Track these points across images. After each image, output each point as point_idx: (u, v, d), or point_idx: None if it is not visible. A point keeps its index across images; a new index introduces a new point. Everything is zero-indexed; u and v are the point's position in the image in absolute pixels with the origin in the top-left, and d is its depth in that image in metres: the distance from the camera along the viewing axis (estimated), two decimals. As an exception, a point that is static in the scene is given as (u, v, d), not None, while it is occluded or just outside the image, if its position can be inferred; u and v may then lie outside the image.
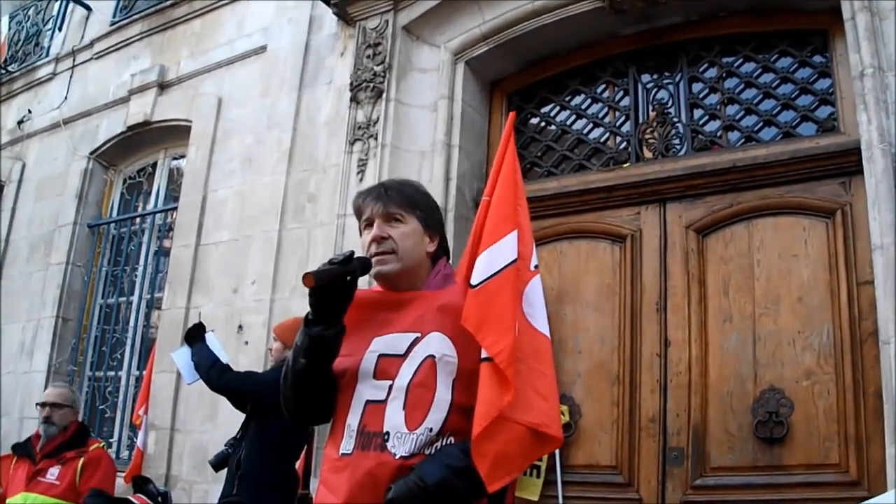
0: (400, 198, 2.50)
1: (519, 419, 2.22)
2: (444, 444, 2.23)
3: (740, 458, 4.56)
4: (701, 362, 4.82)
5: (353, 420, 2.32)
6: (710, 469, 4.64)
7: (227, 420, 5.50)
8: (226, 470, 4.75)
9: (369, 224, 2.49)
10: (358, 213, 2.55)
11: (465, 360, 2.28)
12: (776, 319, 4.65)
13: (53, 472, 5.05)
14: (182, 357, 5.09)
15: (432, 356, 2.29)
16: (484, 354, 2.25)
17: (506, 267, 2.43)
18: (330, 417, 2.43)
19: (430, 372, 2.27)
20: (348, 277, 2.24)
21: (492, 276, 2.40)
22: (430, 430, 2.22)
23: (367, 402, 2.31)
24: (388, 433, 2.23)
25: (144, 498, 5.23)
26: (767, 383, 4.57)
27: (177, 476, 6.38)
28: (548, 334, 2.54)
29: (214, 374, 4.82)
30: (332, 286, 2.22)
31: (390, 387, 2.29)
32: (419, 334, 2.33)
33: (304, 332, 2.29)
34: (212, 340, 5.01)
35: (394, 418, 2.25)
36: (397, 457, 2.20)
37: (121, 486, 5.85)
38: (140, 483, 5.42)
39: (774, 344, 4.61)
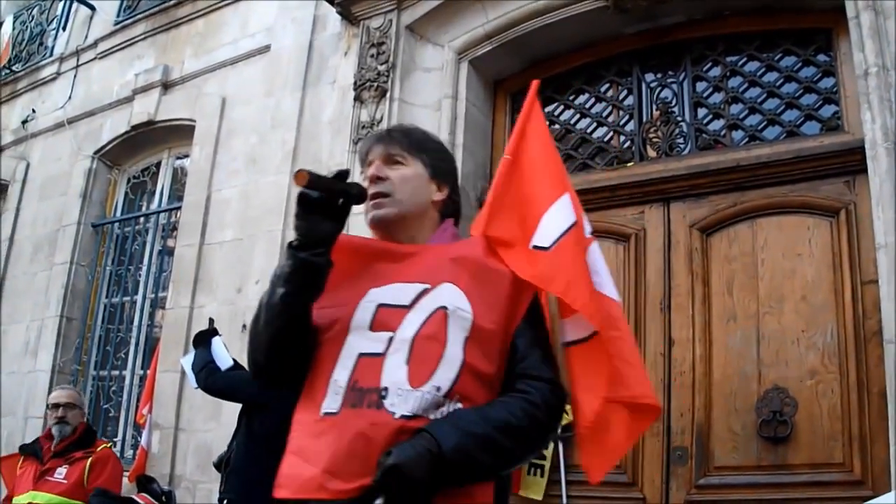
0: (404, 139, 2.28)
1: (618, 396, 2.11)
2: (450, 408, 1.91)
3: (744, 457, 4.55)
4: (705, 361, 4.81)
5: (340, 375, 1.96)
6: (713, 468, 4.64)
7: (231, 419, 5.48)
8: None
9: (369, 166, 2.25)
10: (363, 159, 2.31)
11: (480, 318, 1.99)
12: (780, 318, 4.65)
13: (61, 472, 5.09)
14: (188, 362, 5.09)
15: (444, 308, 1.99)
16: (570, 338, 2.16)
17: (569, 230, 2.31)
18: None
19: (441, 325, 1.97)
20: (341, 199, 2.01)
21: (561, 236, 2.27)
22: (438, 388, 1.90)
23: (361, 354, 1.97)
24: (386, 389, 1.89)
25: (148, 497, 5.25)
26: (771, 382, 4.56)
27: (181, 475, 6.38)
28: (618, 299, 2.41)
29: (203, 376, 4.82)
30: (319, 204, 1.98)
31: (391, 339, 1.97)
32: (428, 285, 2.03)
33: (290, 256, 2.00)
34: (217, 345, 5.00)
35: (394, 373, 1.92)
36: (397, 416, 1.85)
37: (125, 485, 5.86)
38: (144, 482, 5.43)
39: (778, 343, 4.61)
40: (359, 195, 2.08)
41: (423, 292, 2.03)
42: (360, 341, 1.99)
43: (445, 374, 1.92)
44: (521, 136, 2.59)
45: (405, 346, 1.95)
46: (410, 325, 1.98)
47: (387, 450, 1.78)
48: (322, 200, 1.98)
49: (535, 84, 2.80)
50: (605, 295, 2.34)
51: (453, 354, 1.94)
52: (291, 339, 2.04)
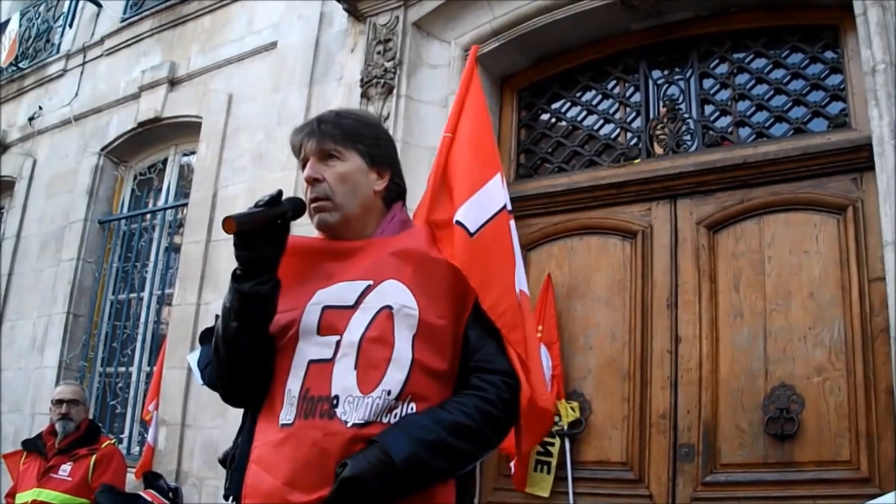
0: (336, 131, 2.14)
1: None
2: (404, 410, 1.88)
3: (751, 454, 4.55)
4: (712, 358, 4.81)
5: (293, 384, 1.94)
6: (720, 465, 4.64)
7: (238, 416, 5.49)
8: None
9: (305, 164, 2.16)
10: (296, 152, 2.21)
11: (426, 313, 1.95)
12: (787, 315, 4.65)
13: (66, 469, 5.08)
14: (195, 359, 5.08)
15: (389, 307, 1.94)
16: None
17: (498, 213, 2.26)
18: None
19: (387, 325, 1.93)
20: (279, 221, 1.95)
21: (486, 223, 2.22)
22: (388, 392, 1.86)
23: (311, 362, 1.94)
24: (336, 397, 1.87)
25: (155, 493, 5.26)
26: (778, 380, 4.56)
27: (187, 472, 6.39)
28: (526, 290, 2.34)
29: (208, 373, 4.79)
30: (258, 232, 1.91)
31: (338, 343, 1.93)
32: (371, 282, 1.99)
33: (234, 290, 1.95)
34: None
35: (343, 380, 1.89)
36: (349, 425, 1.84)
37: (131, 481, 5.88)
38: (151, 479, 5.45)
39: (785, 340, 4.61)
40: (296, 211, 2.03)
41: (367, 289, 1.98)
42: (309, 347, 1.97)
43: (395, 377, 1.89)
44: (459, 110, 2.52)
45: (352, 351, 1.92)
46: (356, 328, 1.94)
47: (342, 460, 1.79)
48: (257, 237, 1.93)
49: (473, 49, 2.75)
50: (517, 288, 2.26)
51: (402, 355, 1.91)
52: (253, 365, 2.01)
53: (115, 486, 5.09)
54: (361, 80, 6.16)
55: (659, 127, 5.54)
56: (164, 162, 8.49)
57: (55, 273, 8.42)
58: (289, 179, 6.47)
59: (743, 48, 5.37)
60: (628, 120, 5.75)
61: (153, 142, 8.45)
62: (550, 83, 6.18)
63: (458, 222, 2.20)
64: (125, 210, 8.64)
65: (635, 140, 5.66)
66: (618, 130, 5.80)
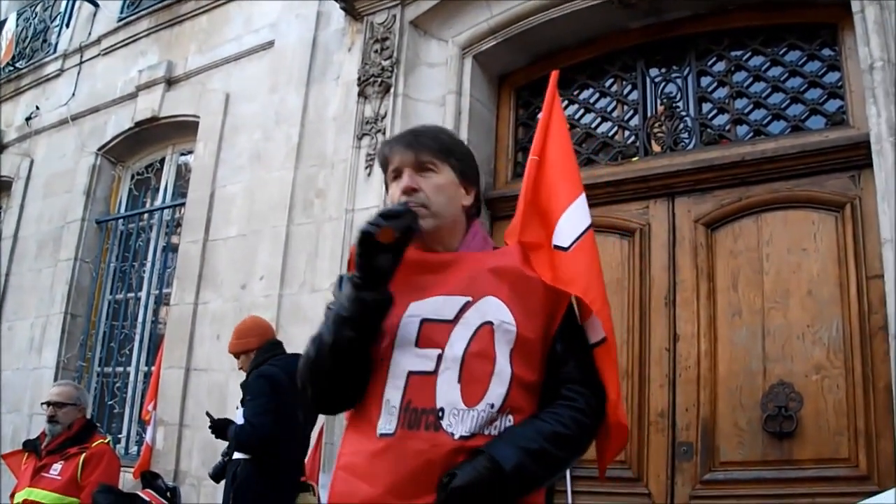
0: (433, 144, 2.19)
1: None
2: (503, 422, 1.94)
3: (750, 452, 4.55)
4: (710, 357, 4.81)
5: (392, 395, 1.96)
6: (719, 463, 4.64)
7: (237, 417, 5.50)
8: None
9: (397, 175, 2.17)
10: (384, 163, 2.23)
11: (523, 328, 2.01)
12: (785, 313, 4.64)
13: (56, 468, 5.06)
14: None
15: (490, 322, 1.99)
16: (597, 337, 2.14)
17: (586, 231, 2.31)
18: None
19: (489, 340, 1.98)
20: (406, 233, 1.97)
21: (578, 238, 2.27)
22: (492, 406, 1.93)
23: (411, 373, 1.97)
24: (442, 409, 1.91)
25: (153, 493, 5.25)
26: (777, 378, 4.55)
27: (185, 471, 6.40)
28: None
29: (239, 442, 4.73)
30: (388, 243, 1.93)
31: (440, 356, 1.97)
32: (470, 298, 2.03)
33: (355, 299, 1.95)
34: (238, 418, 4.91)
35: (448, 393, 1.93)
36: (455, 437, 1.89)
37: (129, 481, 5.87)
38: (149, 478, 5.43)
39: (784, 338, 4.60)
40: (416, 223, 2.01)
41: (466, 305, 2.02)
42: (408, 359, 1.99)
43: (497, 391, 1.95)
44: (544, 133, 2.55)
45: (456, 365, 1.96)
46: (458, 342, 1.98)
47: (447, 470, 1.84)
48: (390, 245, 1.94)
49: (554, 75, 2.74)
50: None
51: (503, 369, 1.96)
52: (359, 376, 2.03)
53: (112, 485, 5.08)
54: (359, 78, 6.16)
55: (657, 125, 5.54)
56: (162, 162, 8.50)
57: (53, 273, 8.43)
58: (286, 179, 6.49)
59: (740, 46, 5.37)
60: (626, 118, 5.75)
61: (150, 141, 8.46)
62: (546, 81, 6.15)
63: (555, 246, 2.27)
64: (123, 210, 8.65)
65: (633, 138, 5.65)
66: (615, 128, 5.79)
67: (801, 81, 5.09)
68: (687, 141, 5.41)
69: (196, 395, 6.47)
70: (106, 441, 5.39)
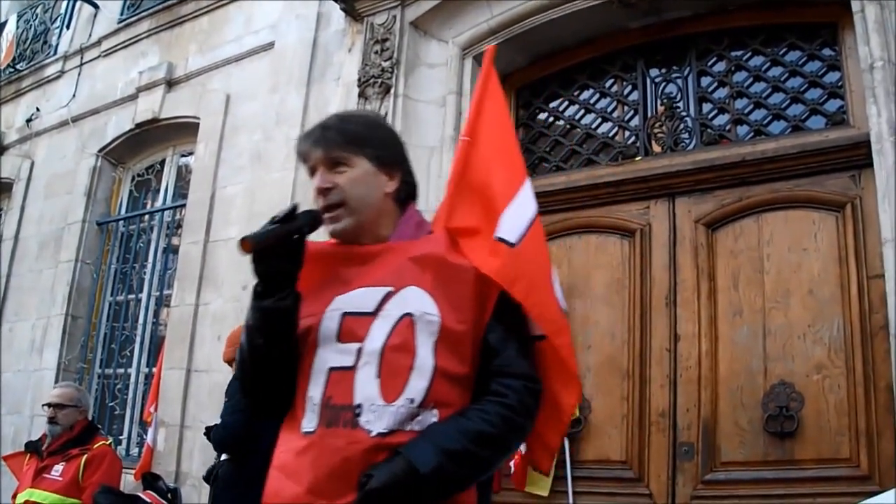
0: (341, 137, 2.12)
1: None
2: (427, 418, 1.89)
3: (751, 452, 4.55)
4: (711, 356, 4.81)
5: (314, 391, 1.94)
6: (720, 464, 4.63)
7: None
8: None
9: (314, 173, 2.15)
10: (303, 160, 2.20)
11: (448, 319, 1.94)
12: (786, 313, 4.64)
13: (58, 469, 5.08)
14: None
15: (410, 314, 1.94)
16: (538, 332, 2.07)
17: (533, 221, 2.23)
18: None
19: (409, 332, 1.93)
20: (295, 236, 1.96)
21: (525, 232, 2.19)
22: (412, 401, 1.88)
23: (331, 369, 1.94)
24: (359, 406, 1.87)
25: (154, 495, 5.25)
26: (778, 377, 4.55)
27: (186, 473, 6.39)
28: (564, 305, 2.30)
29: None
30: (275, 249, 1.94)
31: (359, 350, 1.93)
32: (392, 288, 1.98)
33: (256, 308, 1.97)
34: None
35: (366, 388, 1.89)
36: (373, 434, 1.85)
37: (130, 482, 5.87)
38: (150, 480, 5.43)
39: (784, 338, 4.60)
40: (312, 223, 2.03)
41: (388, 296, 1.98)
42: (329, 354, 1.97)
43: (418, 385, 1.89)
44: (477, 113, 2.44)
45: (375, 359, 1.92)
46: (378, 335, 1.94)
47: (365, 468, 1.81)
48: (274, 254, 1.95)
49: (490, 49, 2.61)
50: (558, 300, 2.23)
51: (424, 362, 1.91)
52: (283, 378, 2.02)
53: (114, 486, 5.08)
54: (359, 79, 6.15)
55: (657, 125, 5.54)
56: (162, 163, 8.49)
57: (53, 275, 8.43)
58: (287, 179, 6.48)
59: (741, 46, 5.37)
60: (626, 118, 5.74)
61: (151, 143, 8.45)
62: (548, 82, 6.17)
63: (499, 239, 2.16)
64: (123, 211, 8.65)
65: (633, 138, 5.65)
66: (616, 129, 5.79)
67: (802, 81, 5.09)
68: (687, 141, 5.40)
69: (197, 396, 6.47)
70: (107, 442, 5.41)
